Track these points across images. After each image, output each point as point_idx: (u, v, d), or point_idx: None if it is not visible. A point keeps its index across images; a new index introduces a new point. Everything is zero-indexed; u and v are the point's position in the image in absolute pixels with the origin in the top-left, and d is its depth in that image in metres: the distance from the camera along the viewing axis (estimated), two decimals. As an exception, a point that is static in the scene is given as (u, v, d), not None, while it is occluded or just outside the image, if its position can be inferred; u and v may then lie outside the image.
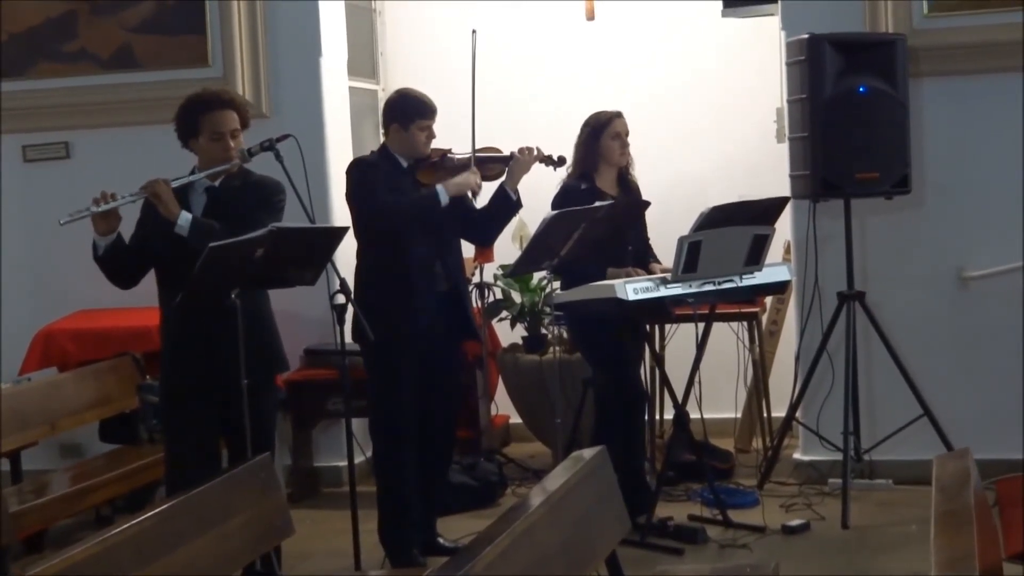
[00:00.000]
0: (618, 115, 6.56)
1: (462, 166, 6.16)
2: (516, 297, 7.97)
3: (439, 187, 6.01)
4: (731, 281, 6.27)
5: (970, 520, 3.19)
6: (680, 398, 6.63)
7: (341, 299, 5.58)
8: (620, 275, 6.30)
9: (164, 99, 6.86)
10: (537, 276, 7.63)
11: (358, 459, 5.86)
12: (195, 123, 5.56)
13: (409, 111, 6.13)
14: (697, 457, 6.88)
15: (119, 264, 5.52)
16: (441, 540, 6.31)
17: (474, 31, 6.20)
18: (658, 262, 6.61)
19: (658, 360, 7.47)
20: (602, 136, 6.52)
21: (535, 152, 6.26)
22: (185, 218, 5.38)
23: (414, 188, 6.11)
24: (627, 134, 6.56)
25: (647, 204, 6.58)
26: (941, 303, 7.14)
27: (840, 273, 6.80)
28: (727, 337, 7.65)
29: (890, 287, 7.14)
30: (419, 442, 6.17)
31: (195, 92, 5.70)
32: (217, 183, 5.58)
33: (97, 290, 6.29)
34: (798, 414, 7.09)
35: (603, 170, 6.57)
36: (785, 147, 7.05)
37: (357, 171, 6.10)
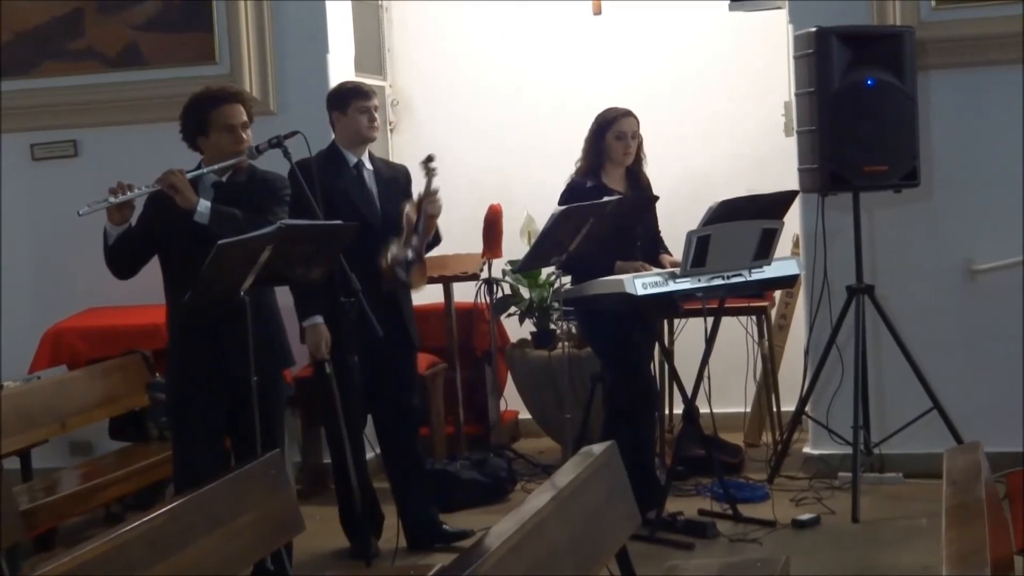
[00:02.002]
0: (625, 114, 6.53)
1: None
2: (525, 293, 7.96)
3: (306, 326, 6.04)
4: (740, 275, 6.27)
5: (981, 514, 3.18)
6: (689, 393, 6.62)
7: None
8: (628, 269, 6.31)
9: (171, 96, 6.85)
10: (545, 271, 7.62)
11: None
12: (204, 119, 5.56)
13: (344, 95, 6.20)
14: (707, 452, 6.88)
15: (126, 254, 5.53)
16: (446, 527, 6.33)
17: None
18: (669, 254, 6.60)
19: (667, 355, 7.48)
20: (606, 134, 6.50)
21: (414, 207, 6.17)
22: (205, 205, 5.39)
23: (358, 188, 6.11)
24: (634, 134, 6.53)
25: (655, 198, 6.57)
26: (950, 296, 7.13)
27: (849, 266, 6.79)
28: (736, 331, 7.65)
29: (899, 280, 7.12)
30: (385, 441, 6.33)
31: (199, 90, 5.70)
32: (224, 179, 5.58)
33: (106, 288, 6.30)
34: (807, 408, 7.08)
35: (609, 167, 6.56)
36: (793, 141, 7.04)
37: (292, 181, 5.78)
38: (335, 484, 6.35)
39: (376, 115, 6.22)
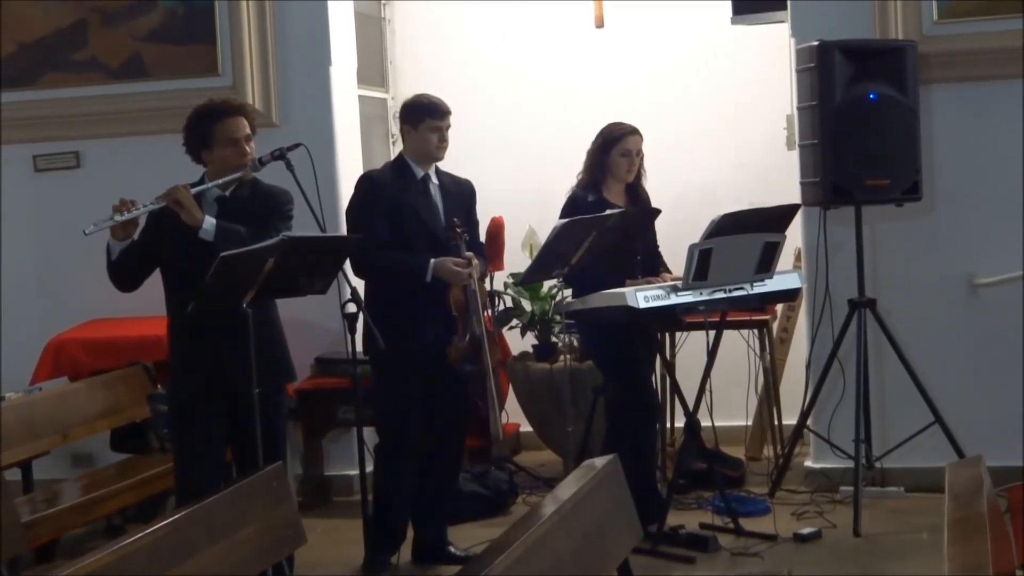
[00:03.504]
0: (632, 132, 6.53)
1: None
2: (526, 305, 7.97)
3: (431, 263, 6.00)
4: (742, 289, 6.27)
5: (983, 528, 3.17)
6: (691, 406, 6.61)
7: (352, 308, 5.59)
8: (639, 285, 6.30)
9: (174, 108, 6.87)
10: (547, 284, 7.63)
11: (369, 468, 5.87)
12: (207, 133, 5.56)
13: (419, 111, 6.16)
14: (708, 465, 6.87)
15: (129, 268, 5.53)
16: (452, 549, 6.31)
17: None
18: (668, 271, 6.60)
19: (669, 368, 7.47)
20: (611, 151, 6.51)
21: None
22: (210, 223, 5.39)
23: (424, 202, 6.11)
24: (638, 152, 6.54)
25: (657, 212, 6.58)
26: (952, 310, 7.13)
27: (851, 280, 6.79)
28: (738, 345, 7.64)
29: (901, 294, 7.12)
30: (428, 454, 6.22)
31: (201, 104, 5.70)
32: (228, 193, 5.58)
33: (108, 299, 6.30)
34: (809, 422, 7.08)
35: (611, 182, 6.56)
36: (795, 154, 7.04)
37: (360, 190, 6.11)
38: (375, 495, 6.19)
39: (447, 135, 6.18)
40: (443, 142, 6.17)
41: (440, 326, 6.04)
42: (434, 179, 6.22)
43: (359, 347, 5.80)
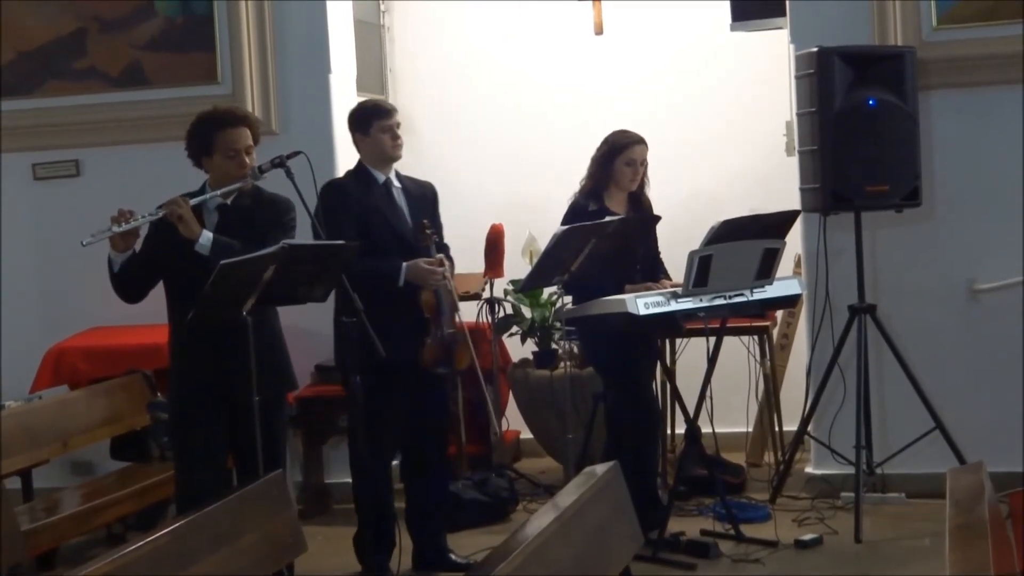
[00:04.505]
0: (639, 141, 6.53)
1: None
2: (526, 312, 7.96)
3: (404, 266, 5.97)
4: (742, 295, 6.26)
5: (985, 534, 3.17)
6: (692, 412, 6.61)
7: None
8: (639, 291, 6.29)
9: (174, 116, 6.87)
10: (547, 291, 7.62)
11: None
12: (209, 141, 5.56)
13: (365, 116, 6.15)
14: (709, 471, 6.87)
15: (132, 279, 5.53)
16: (453, 556, 6.31)
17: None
18: (668, 277, 6.60)
19: (669, 375, 7.46)
20: (616, 159, 6.50)
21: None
22: (207, 237, 5.39)
23: (388, 206, 6.10)
24: (643, 162, 6.54)
25: (657, 219, 6.57)
26: (952, 316, 7.13)
27: (851, 286, 6.79)
28: (738, 351, 7.64)
29: (901, 300, 7.12)
30: (412, 461, 6.25)
31: (206, 111, 5.70)
32: (229, 201, 5.59)
33: (108, 308, 6.30)
34: (810, 428, 7.07)
35: (614, 190, 6.56)
36: (795, 160, 7.04)
37: (326, 199, 5.99)
38: (356, 506, 6.24)
39: (399, 132, 6.17)
40: (397, 140, 6.14)
41: (412, 329, 6.00)
42: (396, 183, 6.20)
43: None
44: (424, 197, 6.28)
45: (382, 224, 6.03)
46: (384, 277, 5.94)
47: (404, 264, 5.96)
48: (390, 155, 6.15)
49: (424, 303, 6.02)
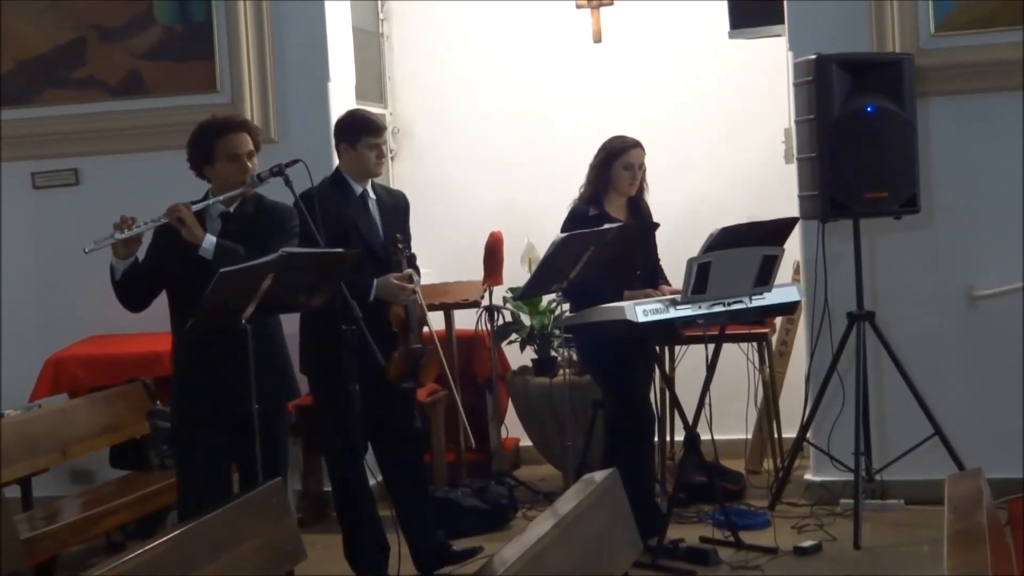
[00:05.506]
0: (635, 145, 6.53)
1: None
2: (525, 320, 7.97)
3: (375, 283, 5.96)
4: (741, 302, 6.27)
5: (983, 540, 3.17)
6: (691, 419, 6.61)
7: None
8: (638, 298, 6.29)
9: (173, 125, 6.88)
10: (546, 299, 7.63)
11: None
12: (210, 149, 5.56)
13: (356, 129, 6.13)
14: (708, 478, 6.87)
15: (135, 287, 5.53)
16: (454, 548, 6.33)
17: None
18: (667, 283, 6.60)
19: (668, 382, 7.47)
20: (614, 164, 6.51)
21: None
22: (210, 241, 5.39)
23: (363, 218, 6.09)
24: (641, 165, 6.54)
25: (656, 226, 6.58)
26: (951, 322, 7.13)
27: (850, 293, 6.80)
28: (737, 358, 7.64)
29: (900, 307, 7.13)
30: (391, 477, 6.26)
31: (205, 119, 5.70)
32: (231, 208, 5.59)
33: (108, 316, 6.31)
34: (809, 435, 7.08)
35: (613, 195, 6.57)
36: (793, 167, 7.05)
37: (302, 211, 5.83)
38: (339, 516, 6.28)
39: (384, 151, 6.16)
40: (381, 158, 6.17)
41: (380, 343, 5.95)
42: (371, 194, 6.20)
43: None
44: (396, 207, 6.29)
45: (356, 237, 6.01)
46: (354, 292, 5.92)
47: (375, 280, 5.97)
48: (372, 172, 6.16)
49: (393, 317, 6.02)
